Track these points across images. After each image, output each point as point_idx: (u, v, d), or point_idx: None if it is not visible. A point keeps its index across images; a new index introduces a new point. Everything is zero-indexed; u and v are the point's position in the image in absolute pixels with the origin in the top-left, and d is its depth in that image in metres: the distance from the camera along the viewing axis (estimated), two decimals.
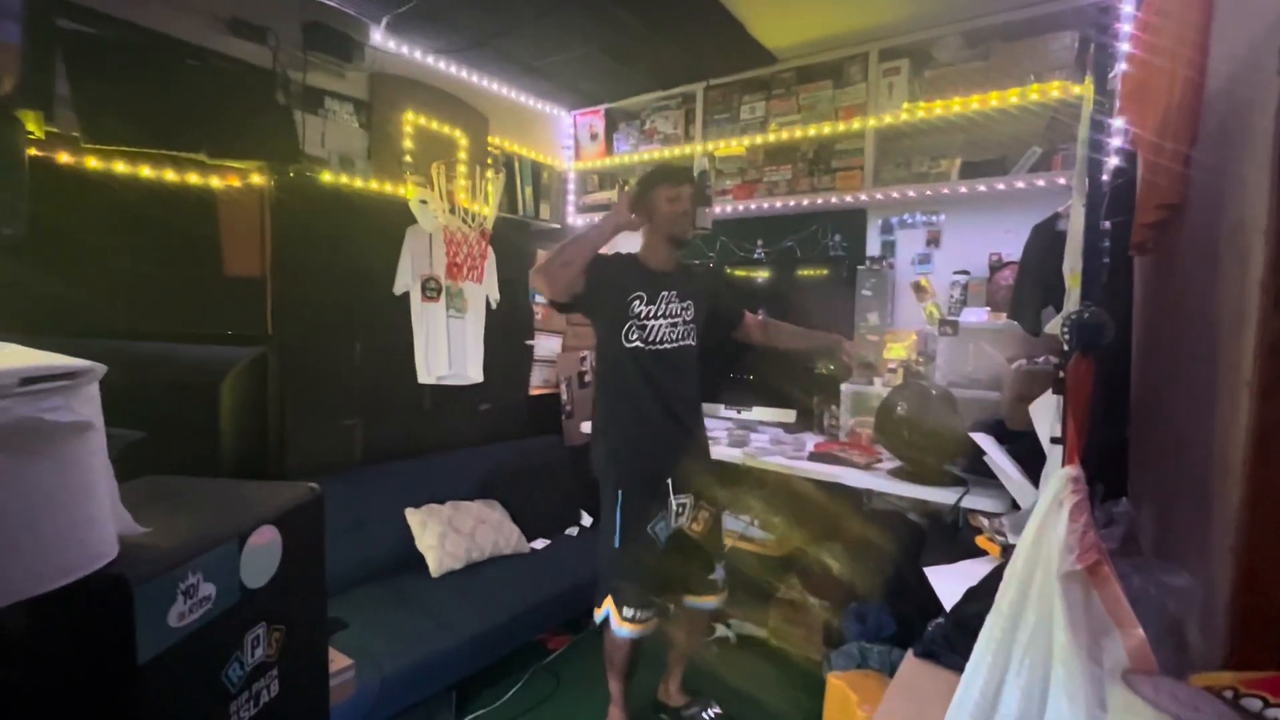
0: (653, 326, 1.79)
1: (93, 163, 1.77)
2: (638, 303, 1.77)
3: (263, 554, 0.57)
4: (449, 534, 2.35)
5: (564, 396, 3.22)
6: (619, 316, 1.77)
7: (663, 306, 1.80)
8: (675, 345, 1.82)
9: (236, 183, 2.05)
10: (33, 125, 1.63)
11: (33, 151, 1.61)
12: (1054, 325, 1.19)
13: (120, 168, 1.82)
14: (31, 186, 1.50)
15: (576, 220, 3.46)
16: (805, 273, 2.89)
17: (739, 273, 3.09)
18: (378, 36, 2.45)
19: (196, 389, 0.77)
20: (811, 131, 2.66)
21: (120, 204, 1.82)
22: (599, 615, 1.86)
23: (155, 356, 0.82)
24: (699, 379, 1.93)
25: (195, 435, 0.77)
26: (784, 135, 2.73)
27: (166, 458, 0.71)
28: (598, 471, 1.88)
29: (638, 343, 1.78)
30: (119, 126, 1.76)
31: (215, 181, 2.01)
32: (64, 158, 1.73)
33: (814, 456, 2.35)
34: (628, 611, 1.80)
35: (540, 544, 2.63)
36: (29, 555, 0.40)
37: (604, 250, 1.76)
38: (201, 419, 0.77)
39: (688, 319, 1.84)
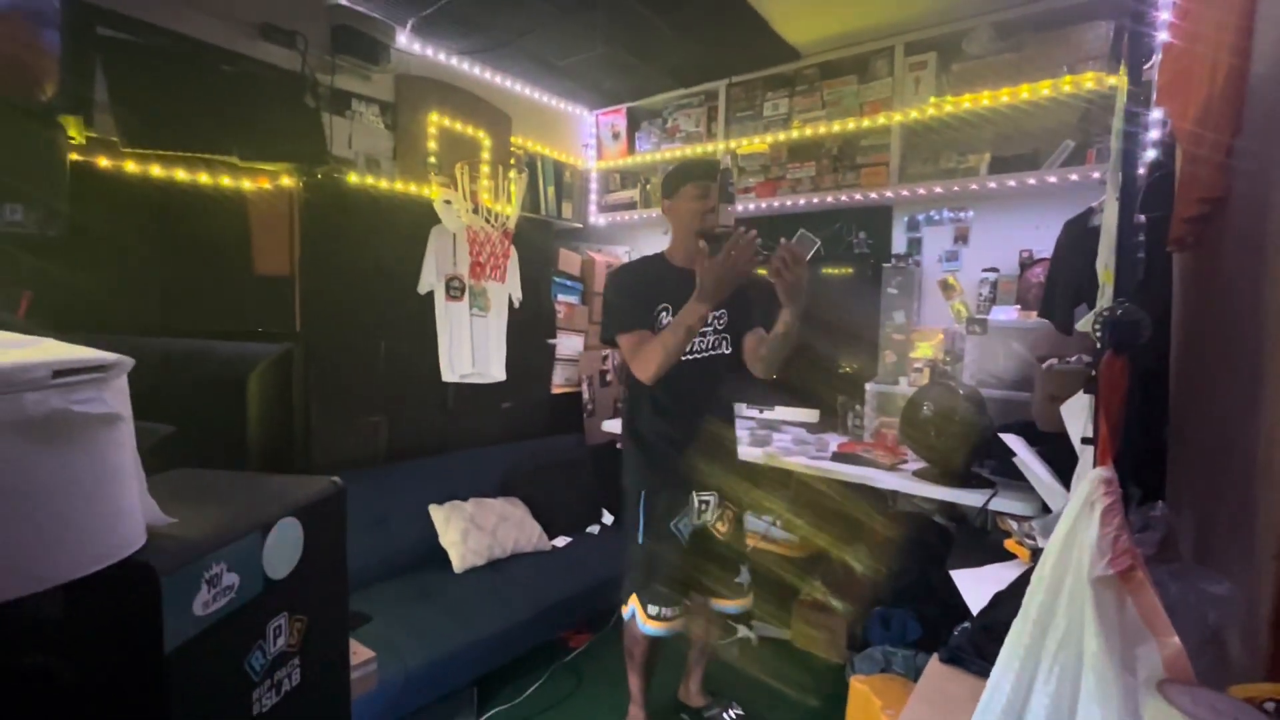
0: None
1: (130, 166, 1.83)
2: (665, 315, 1.74)
3: (285, 545, 0.58)
4: (472, 531, 2.38)
5: (585, 395, 3.23)
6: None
7: None
8: (705, 355, 1.78)
9: (266, 184, 2.10)
10: (73, 130, 1.68)
11: (73, 156, 1.66)
12: (1085, 323, 1.15)
13: (156, 170, 1.87)
14: (72, 189, 1.55)
15: (599, 220, 3.47)
16: (829, 271, 2.85)
17: (760, 271, 3.06)
18: (403, 39, 2.49)
19: (225, 384, 0.79)
20: (836, 128, 2.63)
21: (156, 205, 1.88)
22: (625, 612, 1.86)
23: (186, 353, 0.84)
24: (732, 385, 1.88)
25: (223, 429, 0.79)
26: (807, 132, 2.70)
27: (196, 451, 0.73)
28: (624, 469, 1.88)
29: None
30: (155, 130, 1.82)
31: (246, 183, 2.06)
32: (103, 161, 1.79)
33: (838, 457, 2.33)
34: (653, 609, 1.79)
35: (561, 541, 2.64)
36: (59, 542, 0.41)
37: (626, 259, 1.76)
38: (229, 414, 0.78)
39: (719, 327, 1.79)
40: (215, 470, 0.67)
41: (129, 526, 0.46)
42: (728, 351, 1.81)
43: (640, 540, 1.80)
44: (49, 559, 0.41)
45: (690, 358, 1.75)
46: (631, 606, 1.84)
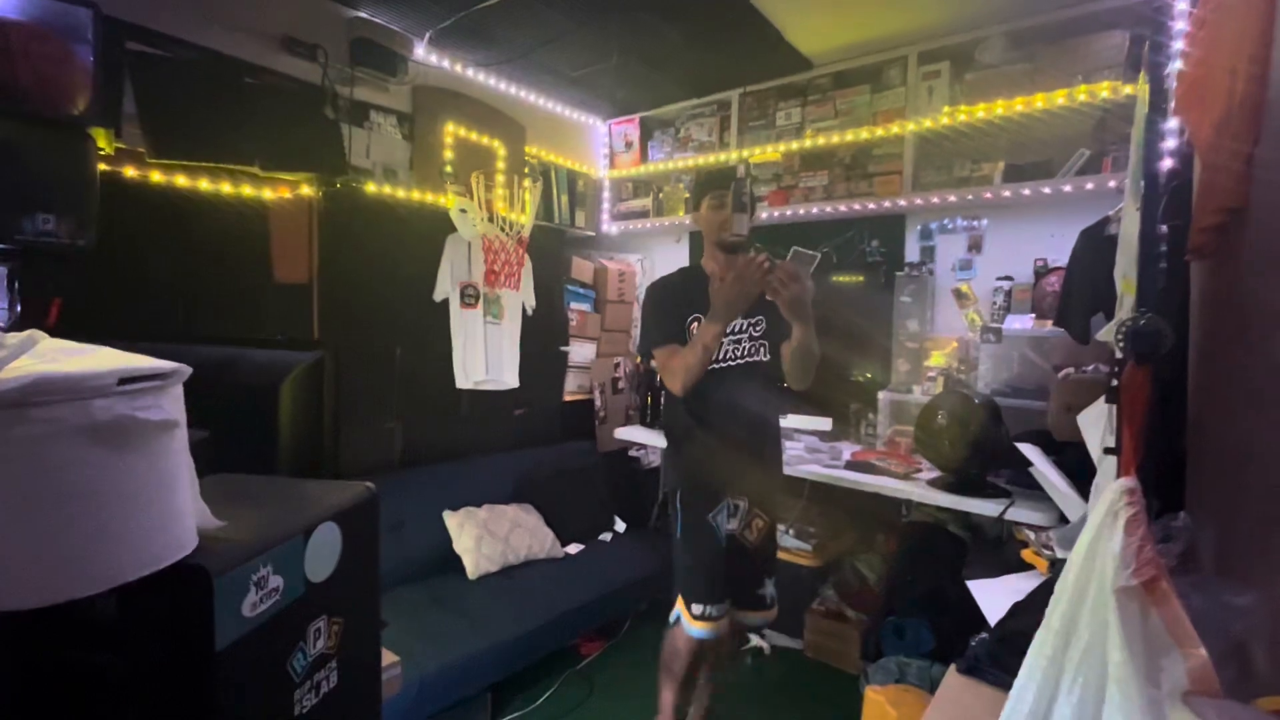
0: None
1: (156, 176, 1.87)
2: (697, 324, 1.73)
3: (325, 549, 0.59)
4: (485, 537, 2.39)
5: (597, 402, 3.24)
6: (679, 345, 1.73)
7: None
8: (740, 362, 1.76)
9: (287, 194, 2.14)
10: (103, 142, 1.72)
11: (102, 167, 1.70)
12: (1107, 332, 1.15)
13: (181, 180, 1.91)
14: (101, 199, 1.59)
15: (612, 228, 3.50)
16: (842, 279, 2.86)
17: None
18: (420, 51, 2.53)
19: (258, 392, 0.80)
20: (849, 137, 2.64)
21: (180, 214, 1.92)
22: (672, 616, 1.82)
23: (219, 360, 0.86)
24: (773, 395, 1.86)
25: (256, 436, 0.81)
26: (820, 141, 2.72)
27: (229, 457, 0.74)
28: (663, 472, 1.88)
29: None
30: (180, 141, 1.85)
31: (267, 193, 2.09)
32: (130, 172, 1.83)
33: (851, 465, 2.32)
34: (696, 608, 1.73)
35: (574, 549, 2.65)
36: (120, 544, 0.43)
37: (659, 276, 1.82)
38: (262, 421, 0.80)
39: (755, 334, 1.78)
40: (253, 475, 0.69)
41: (183, 529, 0.47)
42: (765, 359, 1.79)
43: (679, 534, 1.78)
44: (112, 560, 0.42)
45: (724, 365, 1.75)
46: (677, 610, 1.79)
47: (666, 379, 1.74)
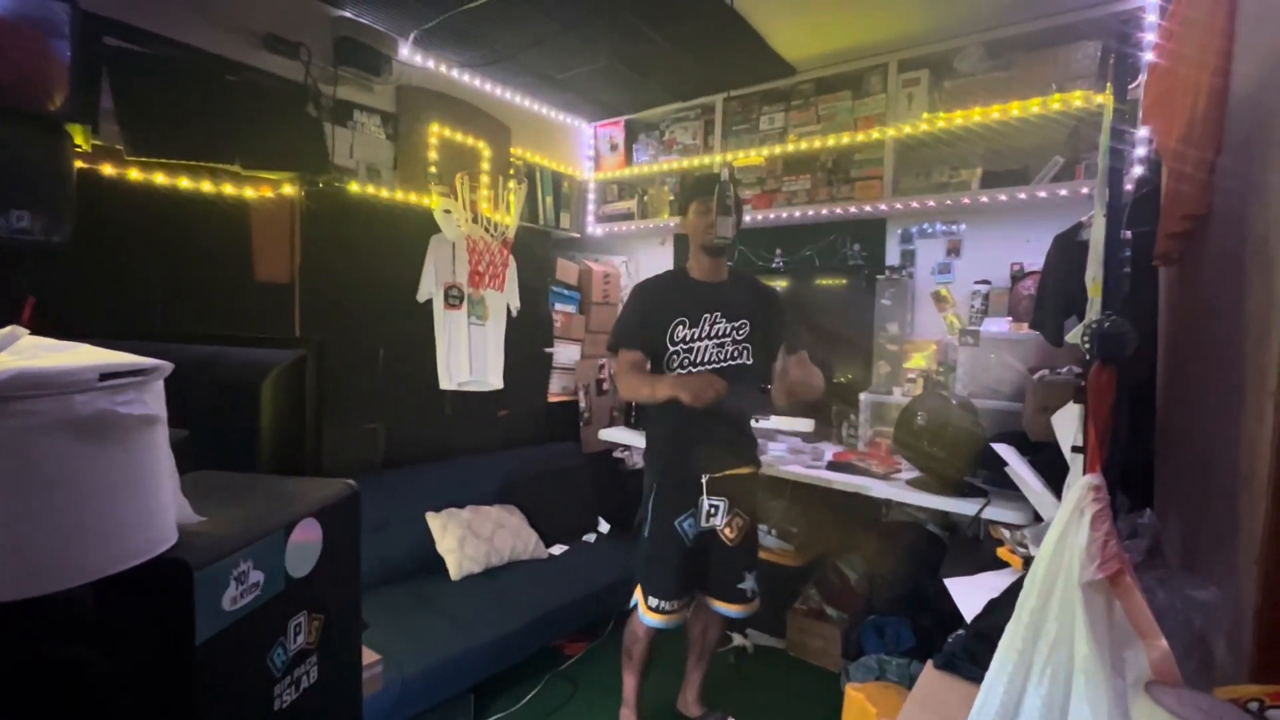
0: (697, 349, 1.80)
1: (134, 174, 1.85)
2: (680, 328, 1.79)
3: (306, 545, 0.59)
4: (468, 538, 2.38)
5: (582, 404, 3.25)
6: (660, 348, 1.81)
7: (706, 327, 1.80)
8: (723, 365, 1.80)
9: (269, 193, 2.12)
10: (79, 138, 1.70)
11: (79, 164, 1.68)
12: (1075, 335, 1.18)
13: (160, 178, 1.89)
14: (77, 197, 1.56)
15: (596, 230, 3.51)
16: (824, 282, 2.90)
17: (781, 282, 3.10)
18: (405, 51, 2.52)
19: (238, 390, 0.80)
20: (831, 142, 2.68)
21: (159, 213, 1.89)
22: (632, 601, 1.93)
23: (199, 358, 0.86)
24: (755, 395, 1.90)
25: (236, 434, 0.80)
26: (803, 145, 2.75)
27: (209, 455, 0.74)
28: (644, 463, 1.96)
29: (678, 369, 1.80)
30: (159, 139, 1.83)
31: (249, 192, 2.08)
32: (107, 169, 1.81)
33: (832, 466, 2.35)
34: (652, 600, 1.84)
35: (558, 549, 2.65)
36: (101, 538, 0.43)
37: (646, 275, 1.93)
38: (242, 419, 0.80)
39: (739, 338, 1.83)
40: (234, 472, 0.69)
41: (164, 524, 0.48)
42: (748, 362, 1.83)
43: (645, 534, 1.86)
44: (92, 553, 0.42)
45: (706, 368, 1.79)
46: (635, 597, 1.90)
47: (618, 378, 1.87)
